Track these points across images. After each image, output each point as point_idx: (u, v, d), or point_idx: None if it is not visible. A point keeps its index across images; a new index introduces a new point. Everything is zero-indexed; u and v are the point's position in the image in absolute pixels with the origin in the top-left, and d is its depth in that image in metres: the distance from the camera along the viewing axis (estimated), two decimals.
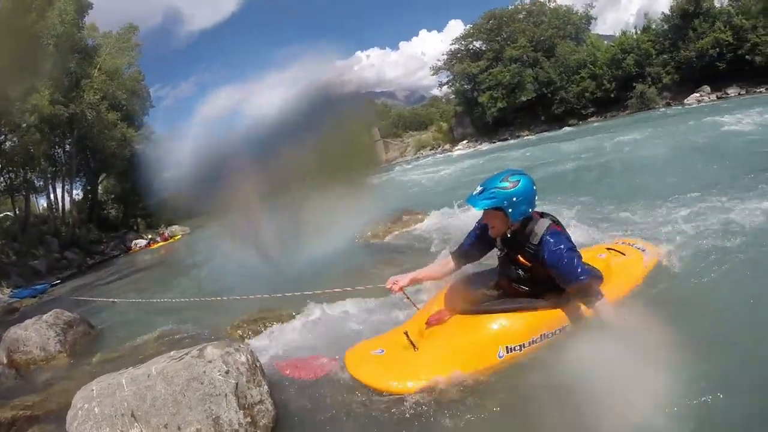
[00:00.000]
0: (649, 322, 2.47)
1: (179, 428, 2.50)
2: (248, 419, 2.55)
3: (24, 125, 18.92)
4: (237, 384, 2.60)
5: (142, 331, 5.13)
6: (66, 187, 26.31)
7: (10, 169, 21.11)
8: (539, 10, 49.34)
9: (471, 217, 7.18)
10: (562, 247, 2.51)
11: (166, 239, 26.56)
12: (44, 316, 5.46)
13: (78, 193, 28.91)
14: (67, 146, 25.48)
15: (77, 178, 27.98)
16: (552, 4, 49.73)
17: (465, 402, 2.42)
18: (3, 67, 15.23)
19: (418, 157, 53.39)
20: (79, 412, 2.72)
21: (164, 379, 2.63)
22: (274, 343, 3.89)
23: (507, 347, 2.58)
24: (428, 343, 2.73)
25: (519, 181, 2.53)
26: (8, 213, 22.70)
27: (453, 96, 57.56)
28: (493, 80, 47.63)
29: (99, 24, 28.41)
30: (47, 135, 21.45)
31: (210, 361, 2.67)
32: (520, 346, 2.60)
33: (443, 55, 54.34)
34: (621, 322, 2.54)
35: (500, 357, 2.58)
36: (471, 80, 50.91)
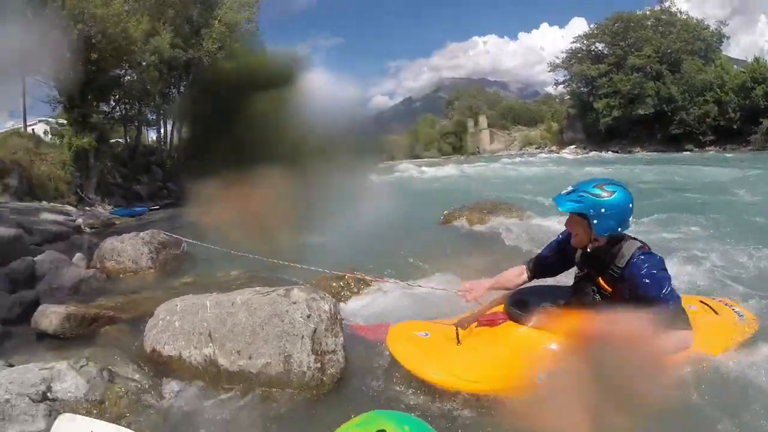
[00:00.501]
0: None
1: (250, 357, 2.52)
2: (318, 365, 2.51)
3: (144, 63, 20.18)
4: (315, 329, 2.57)
5: (231, 266, 5.20)
6: (176, 124, 27.97)
7: (127, 101, 22.70)
8: (668, 20, 45.63)
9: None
10: (653, 269, 2.13)
11: None
12: (141, 234, 5.83)
13: (187, 132, 30.68)
14: (182, 88, 26.92)
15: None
16: (683, 16, 46.00)
17: (490, 414, 2.24)
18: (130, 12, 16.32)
19: (523, 153, 51.62)
20: (160, 322, 2.82)
21: (247, 310, 2.65)
22: (354, 304, 3.89)
23: (549, 372, 2.25)
24: (472, 342, 2.52)
25: (614, 192, 2.16)
26: (120, 140, 24.51)
27: (567, 97, 54.83)
28: (612, 87, 44.66)
29: None
30: (164, 75, 22.75)
31: (294, 302, 2.66)
32: (563, 373, 2.22)
33: (562, 52, 51.86)
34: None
35: (539, 380, 2.24)
36: (588, 83, 48.10)
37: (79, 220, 11.62)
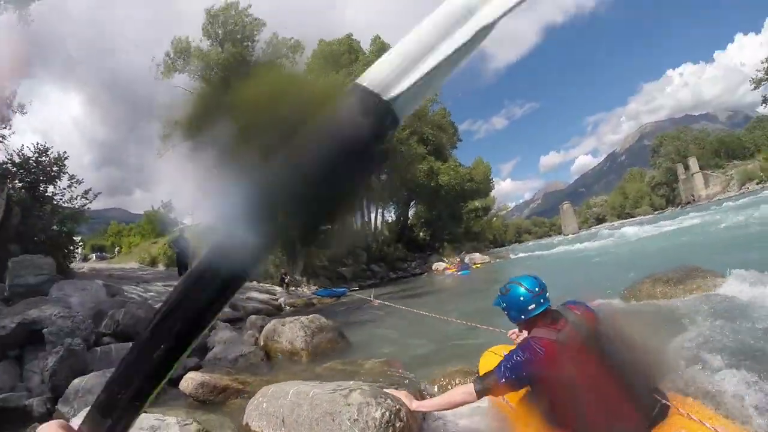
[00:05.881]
0: None
1: None
2: None
3: None
4: None
5: (380, 352, 5.51)
6: (379, 210, 30.91)
7: None
8: None
9: None
10: (510, 355, 2.41)
11: (460, 268, 25.19)
12: (302, 318, 6.57)
13: (391, 216, 33.49)
14: (382, 175, 29.92)
15: (390, 203, 32.51)
16: None
17: None
18: None
19: (743, 192, 43.69)
20: (256, 401, 3.39)
21: (310, 404, 3.01)
22: None
23: None
24: None
25: (509, 290, 2.58)
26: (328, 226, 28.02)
27: None
28: None
29: None
30: None
31: (349, 404, 2.89)
32: None
33: (763, 62, 43.40)
34: None
35: None
36: None
37: (281, 300, 13.52)
